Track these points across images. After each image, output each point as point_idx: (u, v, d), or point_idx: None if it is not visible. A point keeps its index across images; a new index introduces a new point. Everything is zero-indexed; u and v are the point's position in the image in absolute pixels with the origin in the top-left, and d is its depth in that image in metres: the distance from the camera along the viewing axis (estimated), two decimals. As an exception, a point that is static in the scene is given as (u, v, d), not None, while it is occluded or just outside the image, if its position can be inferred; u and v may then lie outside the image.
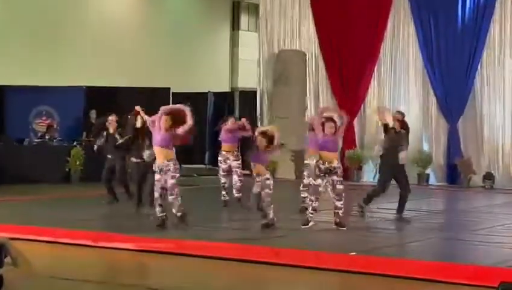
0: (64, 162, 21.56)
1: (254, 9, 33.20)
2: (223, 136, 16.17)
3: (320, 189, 12.92)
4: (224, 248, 11.04)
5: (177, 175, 12.58)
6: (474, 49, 23.51)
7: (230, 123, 16.25)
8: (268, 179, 12.74)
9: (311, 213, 13.02)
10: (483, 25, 23.44)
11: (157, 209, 12.66)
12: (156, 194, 12.64)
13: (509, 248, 11.58)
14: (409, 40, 24.85)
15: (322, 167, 12.86)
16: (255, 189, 12.79)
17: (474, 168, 23.31)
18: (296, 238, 12.13)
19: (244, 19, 35.53)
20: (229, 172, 16.08)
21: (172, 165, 12.50)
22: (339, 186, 12.87)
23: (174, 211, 12.58)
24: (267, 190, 12.72)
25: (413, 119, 24.10)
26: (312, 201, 13.02)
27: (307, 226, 12.94)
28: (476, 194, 21.41)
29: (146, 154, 14.12)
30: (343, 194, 12.95)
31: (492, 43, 23.59)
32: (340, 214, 13.01)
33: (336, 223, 12.97)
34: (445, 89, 24.08)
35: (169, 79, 27.16)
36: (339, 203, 12.94)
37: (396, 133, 14.18)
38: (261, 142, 12.75)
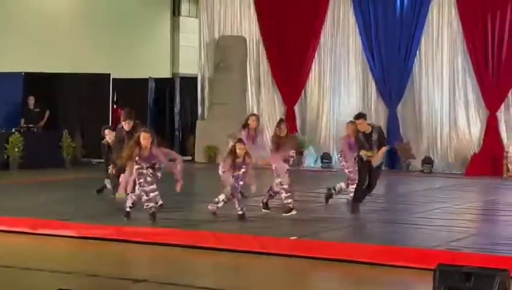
0: (2, 149, 21.26)
1: (195, -5, 33.01)
2: None
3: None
4: (164, 233, 11.00)
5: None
6: (412, 33, 23.66)
7: None
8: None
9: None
10: (422, 9, 23.59)
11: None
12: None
13: (446, 231, 11.75)
14: (349, 24, 24.91)
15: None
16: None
17: (413, 153, 23.54)
18: (238, 223, 12.14)
19: (184, 5, 35.26)
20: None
21: None
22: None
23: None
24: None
25: (352, 104, 24.31)
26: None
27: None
28: (415, 178, 21.63)
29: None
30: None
31: (431, 28, 23.73)
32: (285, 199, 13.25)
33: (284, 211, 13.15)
34: (384, 74, 24.23)
35: (109, 65, 26.81)
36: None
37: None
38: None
